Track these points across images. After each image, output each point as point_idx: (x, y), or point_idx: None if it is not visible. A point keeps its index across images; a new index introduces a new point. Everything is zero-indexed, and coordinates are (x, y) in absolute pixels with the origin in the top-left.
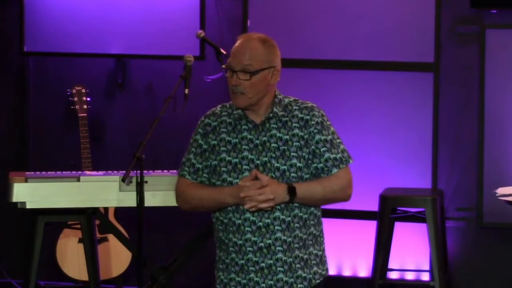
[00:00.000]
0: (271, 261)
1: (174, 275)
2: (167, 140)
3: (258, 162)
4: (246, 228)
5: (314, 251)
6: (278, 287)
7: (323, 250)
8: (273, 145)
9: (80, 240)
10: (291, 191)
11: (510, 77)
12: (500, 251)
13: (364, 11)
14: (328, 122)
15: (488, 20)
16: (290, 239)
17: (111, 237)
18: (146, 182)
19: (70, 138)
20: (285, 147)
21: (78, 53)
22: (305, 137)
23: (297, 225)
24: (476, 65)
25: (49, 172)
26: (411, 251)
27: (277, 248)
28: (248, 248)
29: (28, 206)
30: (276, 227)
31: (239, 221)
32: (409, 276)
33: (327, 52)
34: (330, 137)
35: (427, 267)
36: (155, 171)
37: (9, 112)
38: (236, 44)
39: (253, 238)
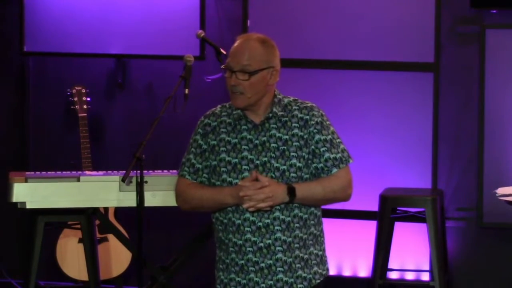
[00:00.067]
0: (271, 261)
1: (174, 275)
2: (167, 140)
3: (258, 162)
4: (246, 228)
5: (315, 251)
6: (278, 287)
7: (324, 250)
8: (272, 145)
9: (80, 240)
10: (291, 191)
11: (510, 77)
12: (500, 251)
13: (364, 11)
14: (327, 122)
15: (488, 20)
16: (290, 239)
17: (111, 237)
18: (146, 182)
19: (70, 138)
20: (285, 147)
21: (78, 53)
22: (305, 137)
23: (297, 225)
24: (476, 65)
25: (49, 172)
26: (411, 251)
27: (277, 248)
28: (248, 248)
29: (28, 206)
30: (276, 227)
31: (239, 221)
32: (409, 276)
33: (327, 52)
34: (330, 137)
35: (427, 267)
36: (155, 171)
37: (9, 112)
38: (235, 44)
39: (253, 238)
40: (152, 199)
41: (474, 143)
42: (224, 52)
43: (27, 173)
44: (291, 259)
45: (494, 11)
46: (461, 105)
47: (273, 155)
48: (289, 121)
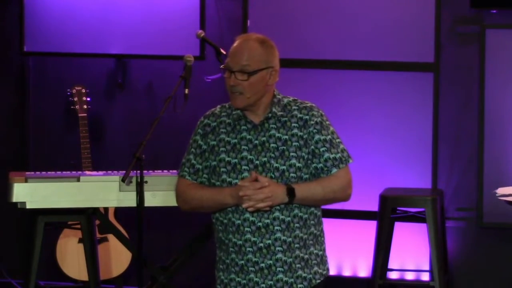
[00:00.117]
0: (271, 262)
1: (174, 275)
2: (167, 140)
3: (257, 162)
4: (246, 229)
5: (315, 251)
6: (278, 287)
7: (324, 250)
8: (272, 145)
9: (80, 240)
10: (290, 192)
11: (510, 77)
12: (500, 251)
13: (364, 11)
14: (327, 122)
15: (488, 20)
16: (290, 239)
17: (111, 237)
18: (146, 182)
19: (70, 138)
20: (284, 147)
21: (78, 53)
22: (305, 137)
23: (297, 225)
24: (476, 65)
25: (49, 172)
26: (411, 251)
27: (277, 248)
28: (248, 249)
29: (28, 206)
30: (276, 227)
31: (239, 222)
32: (409, 276)
33: (327, 52)
34: (329, 136)
35: (427, 267)
36: (155, 171)
37: (9, 112)
38: (234, 45)
39: (252, 239)
40: (152, 199)
41: (474, 143)
42: (224, 52)
43: (27, 173)
44: (291, 259)
45: (494, 11)
46: (461, 105)
47: (272, 155)
48: (288, 121)
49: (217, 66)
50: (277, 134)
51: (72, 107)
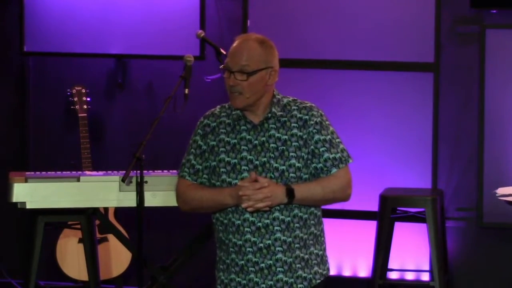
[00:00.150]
0: (271, 262)
1: (174, 275)
2: (167, 140)
3: (257, 162)
4: (246, 229)
5: (315, 251)
6: (278, 287)
7: (324, 250)
8: (271, 145)
9: (80, 240)
10: (290, 193)
11: (510, 77)
12: (500, 251)
13: (364, 11)
14: (327, 122)
15: (488, 20)
16: (290, 239)
17: (111, 237)
18: (146, 182)
19: (70, 138)
20: (284, 147)
21: (78, 53)
22: (304, 137)
23: (297, 225)
24: (476, 65)
25: (49, 172)
26: (411, 251)
27: (277, 248)
28: (248, 249)
29: (28, 206)
30: (276, 228)
31: (239, 222)
32: (409, 276)
33: (327, 52)
34: (329, 136)
35: (427, 267)
36: (155, 171)
37: (9, 112)
38: (234, 45)
39: (252, 239)
40: (152, 199)
41: (474, 143)
42: (224, 52)
43: (27, 173)
44: (291, 259)
45: (494, 11)
46: (461, 105)
47: (272, 155)
48: (288, 121)
49: (217, 66)
50: (276, 134)
51: (72, 107)
